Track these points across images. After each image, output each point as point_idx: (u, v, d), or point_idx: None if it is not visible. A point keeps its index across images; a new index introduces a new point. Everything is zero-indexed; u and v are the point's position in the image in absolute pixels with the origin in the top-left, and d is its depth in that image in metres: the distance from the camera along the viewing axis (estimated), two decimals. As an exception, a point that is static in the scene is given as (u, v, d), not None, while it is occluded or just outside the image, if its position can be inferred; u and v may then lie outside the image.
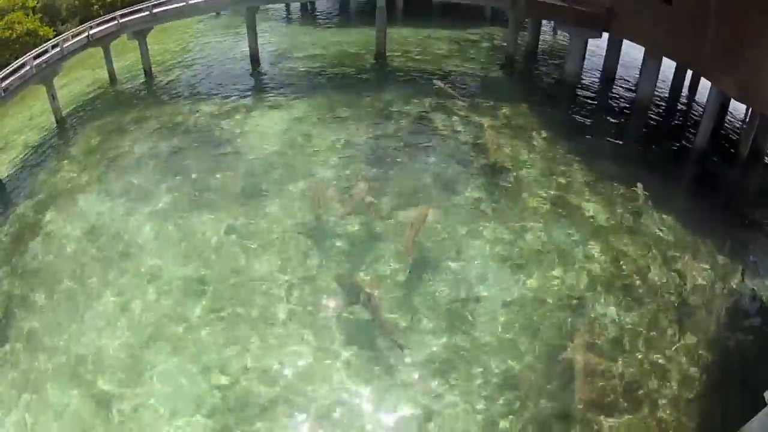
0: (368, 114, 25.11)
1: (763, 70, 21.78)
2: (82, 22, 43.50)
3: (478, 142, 23.49)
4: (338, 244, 17.06)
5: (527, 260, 16.40)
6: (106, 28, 30.17)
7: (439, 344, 14.18)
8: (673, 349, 14.23)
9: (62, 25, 43.38)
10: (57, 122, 28.01)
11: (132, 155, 22.29)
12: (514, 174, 21.21)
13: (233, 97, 27.35)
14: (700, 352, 14.18)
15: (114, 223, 18.39)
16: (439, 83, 29.15)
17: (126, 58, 34.56)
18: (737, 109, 32.84)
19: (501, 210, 18.74)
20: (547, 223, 18.38)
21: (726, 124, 30.92)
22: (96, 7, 45.87)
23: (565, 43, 34.85)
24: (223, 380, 13.40)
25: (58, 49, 27.26)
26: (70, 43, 28.28)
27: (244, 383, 13.34)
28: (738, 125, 31.28)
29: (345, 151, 21.58)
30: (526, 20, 37.40)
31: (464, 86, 29.85)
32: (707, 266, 17.59)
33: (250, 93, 28.13)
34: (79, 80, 33.66)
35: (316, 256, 16.57)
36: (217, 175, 20.02)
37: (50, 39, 38.41)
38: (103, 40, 30.63)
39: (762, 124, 26.04)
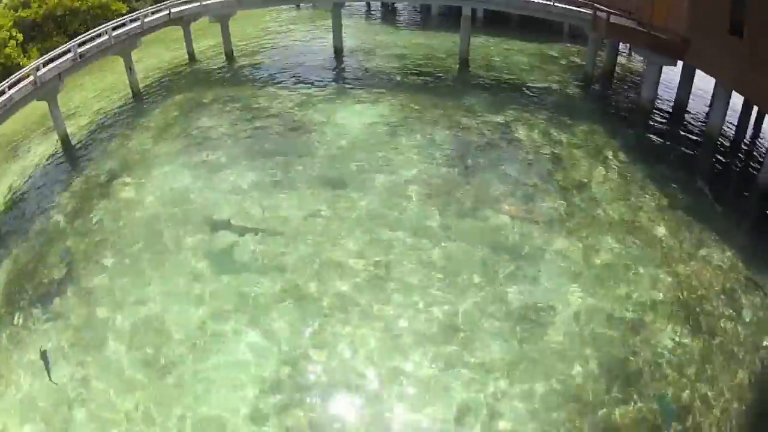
0: (451, 117, 24.73)
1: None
2: (156, 1, 43.83)
3: (557, 156, 23.26)
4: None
5: (597, 274, 16.14)
6: (188, 8, 30.43)
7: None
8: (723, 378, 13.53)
9: (137, 1, 43.76)
10: (133, 94, 28.21)
11: (212, 131, 22.03)
12: (591, 190, 20.89)
13: (315, 88, 26.99)
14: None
15: (190, 194, 18.08)
16: (520, 96, 28.77)
17: (205, 40, 34.65)
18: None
19: (577, 224, 18.36)
20: (619, 242, 17.98)
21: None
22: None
23: (639, 67, 34.32)
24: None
25: (138, 23, 27.49)
26: (150, 18, 28.62)
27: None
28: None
29: (428, 151, 21.28)
30: (604, 41, 36.75)
31: (545, 101, 29.66)
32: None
33: (333, 85, 27.75)
34: (156, 56, 33.95)
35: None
36: (300, 160, 19.62)
37: (123, 14, 38.93)
38: (183, 20, 30.91)
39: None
